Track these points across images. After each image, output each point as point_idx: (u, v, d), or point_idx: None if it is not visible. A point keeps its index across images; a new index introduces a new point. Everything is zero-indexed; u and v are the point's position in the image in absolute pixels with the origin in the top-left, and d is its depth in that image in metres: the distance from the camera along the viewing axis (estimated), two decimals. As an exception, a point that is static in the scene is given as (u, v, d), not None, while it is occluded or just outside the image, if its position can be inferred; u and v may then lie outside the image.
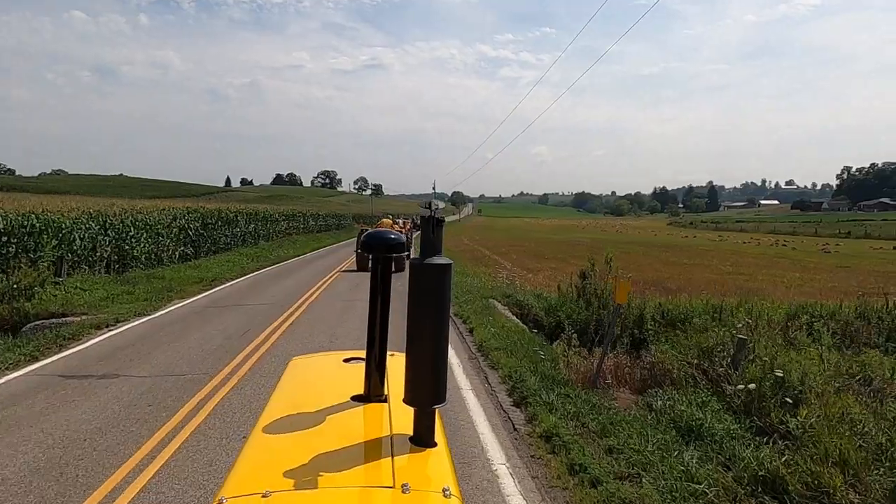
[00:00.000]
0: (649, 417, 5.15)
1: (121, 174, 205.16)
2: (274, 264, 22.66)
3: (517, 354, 7.37)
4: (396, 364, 1.65)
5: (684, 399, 5.19)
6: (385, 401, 1.54)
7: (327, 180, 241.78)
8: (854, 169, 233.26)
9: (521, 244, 39.61)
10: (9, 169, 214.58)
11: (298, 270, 20.67)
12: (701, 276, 21.33)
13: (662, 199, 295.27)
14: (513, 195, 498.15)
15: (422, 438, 1.33)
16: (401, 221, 37.35)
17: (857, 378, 5.48)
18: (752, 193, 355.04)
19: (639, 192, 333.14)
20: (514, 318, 10.46)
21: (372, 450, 1.32)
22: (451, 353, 7.72)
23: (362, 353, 1.62)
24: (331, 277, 18.00)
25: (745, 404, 4.94)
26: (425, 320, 1.23)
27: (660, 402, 5.31)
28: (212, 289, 15.16)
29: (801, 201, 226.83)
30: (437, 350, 1.25)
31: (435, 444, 1.34)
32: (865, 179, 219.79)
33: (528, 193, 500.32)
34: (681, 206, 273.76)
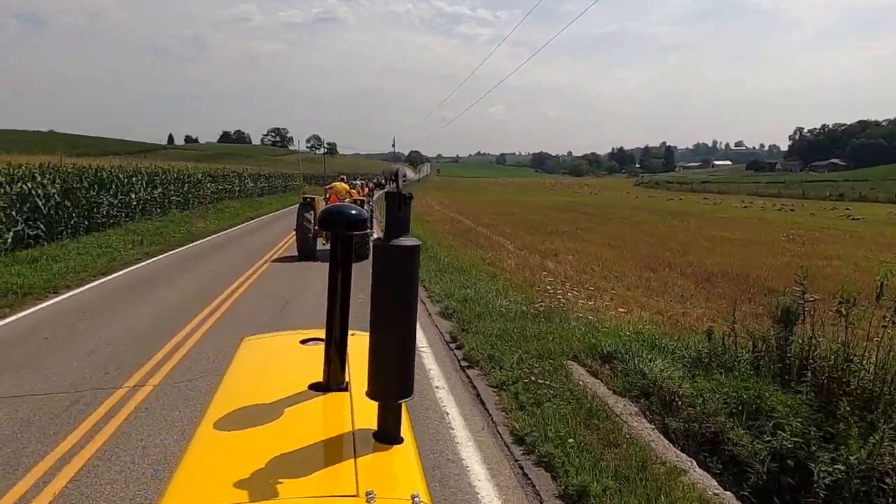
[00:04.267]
0: None
1: (51, 130, 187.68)
2: (172, 249, 15.31)
3: None
4: (358, 345, 1.47)
5: None
6: (346, 389, 1.36)
7: (278, 138, 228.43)
8: (806, 130, 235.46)
9: (505, 211, 32.97)
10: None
11: (204, 261, 13.46)
12: (780, 262, 15.27)
13: (620, 160, 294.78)
14: (470, 154, 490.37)
15: (387, 435, 1.16)
16: (358, 183, 30.57)
17: None
18: (704, 154, 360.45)
19: (595, 153, 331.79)
20: (683, 457, 3.88)
21: (333, 449, 1.17)
22: None
23: (321, 333, 1.47)
24: (253, 275, 11.01)
25: None
26: (391, 307, 1.05)
27: None
28: None
29: (755, 162, 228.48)
30: (403, 339, 1.07)
31: (401, 441, 1.18)
32: (817, 140, 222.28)
33: (485, 153, 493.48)
34: (638, 166, 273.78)
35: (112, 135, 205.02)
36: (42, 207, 14.73)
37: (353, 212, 1.23)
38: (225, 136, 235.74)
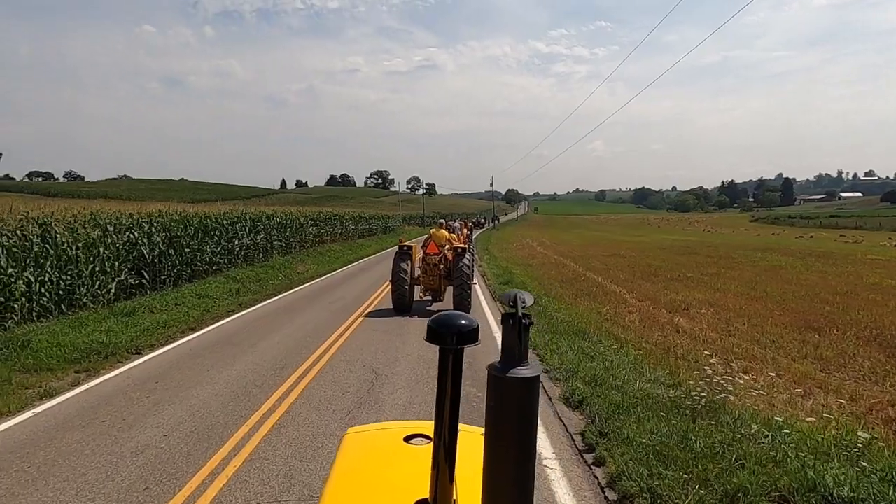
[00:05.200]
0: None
1: (182, 179, 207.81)
2: (267, 298, 14.75)
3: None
4: (467, 443, 1.28)
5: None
6: None
7: (380, 180, 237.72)
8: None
9: (613, 252, 30.48)
10: (79, 175, 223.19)
11: (295, 314, 12.63)
12: None
13: (731, 194, 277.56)
14: (568, 192, 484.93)
15: None
16: (457, 224, 29.77)
17: None
18: (827, 185, 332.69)
19: (702, 187, 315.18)
20: None
21: None
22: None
23: (425, 427, 1.47)
24: (343, 335, 9.89)
25: None
26: (506, 446, 0.94)
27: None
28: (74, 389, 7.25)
29: (891, 192, 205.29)
30: (521, 485, 0.95)
31: None
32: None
33: (583, 190, 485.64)
34: (751, 199, 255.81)
35: (233, 181, 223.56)
36: (147, 256, 14.75)
37: (464, 322, 1.04)
38: (332, 180, 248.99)
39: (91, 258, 12.65)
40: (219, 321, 11.57)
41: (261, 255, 22.65)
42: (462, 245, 13.63)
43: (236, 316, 12.21)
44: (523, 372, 0.92)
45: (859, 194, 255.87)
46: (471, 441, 1.35)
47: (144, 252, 14.67)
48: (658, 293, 15.88)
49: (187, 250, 16.54)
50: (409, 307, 12.71)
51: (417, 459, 1.48)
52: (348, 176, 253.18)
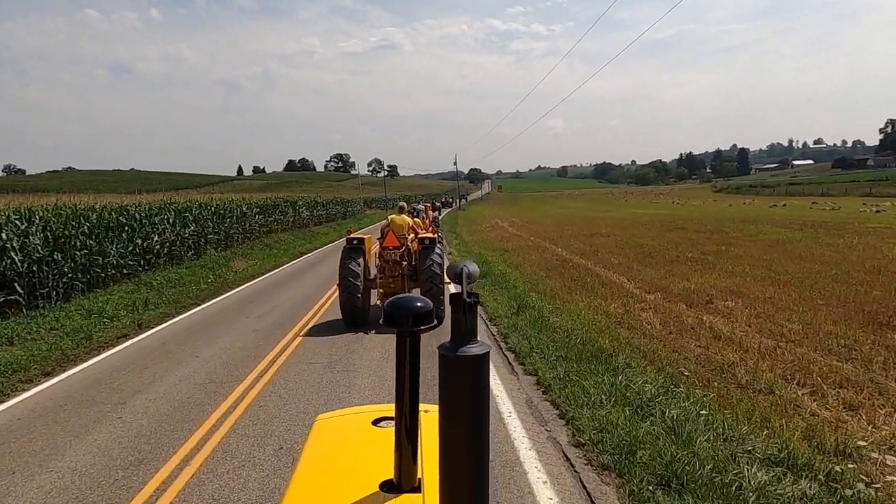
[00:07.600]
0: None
1: (131, 169, 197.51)
2: (181, 312, 11.48)
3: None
4: (430, 424, 1.35)
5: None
6: (419, 490, 1.22)
7: (340, 164, 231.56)
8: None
9: (593, 231, 27.90)
10: (19, 169, 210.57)
11: (209, 335, 9.44)
12: None
13: (689, 165, 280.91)
14: (530, 169, 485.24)
15: None
16: (421, 207, 26.39)
17: None
18: (779, 154, 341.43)
19: (661, 160, 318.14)
20: None
21: None
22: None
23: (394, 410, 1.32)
24: (267, 371, 6.87)
25: None
26: (459, 424, 0.94)
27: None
28: None
29: (842, 159, 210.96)
30: (474, 458, 0.95)
31: None
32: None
33: (545, 167, 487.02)
34: (709, 171, 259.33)
35: (188, 170, 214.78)
36: (19, 265, 11.29)
37: (419, 304, 1.05)
38: (290, 165, 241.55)
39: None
40: (96, 356, 8.32)
41: (191, 251, 19.16)
42: (429, 234, 10.66)
43: (126, 345, 8.95)
44: (472, 350, 0.92)
45: (811, 162, 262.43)
46: (433, 422, 1.21)
47: (15, 259, 11.22)
48: (665, 280, 13.23)
49: (82, 252, 13.06)
50: (365, 317, 9.75)
51: (384, 441, 1.44)
52: (307, 160, 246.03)
